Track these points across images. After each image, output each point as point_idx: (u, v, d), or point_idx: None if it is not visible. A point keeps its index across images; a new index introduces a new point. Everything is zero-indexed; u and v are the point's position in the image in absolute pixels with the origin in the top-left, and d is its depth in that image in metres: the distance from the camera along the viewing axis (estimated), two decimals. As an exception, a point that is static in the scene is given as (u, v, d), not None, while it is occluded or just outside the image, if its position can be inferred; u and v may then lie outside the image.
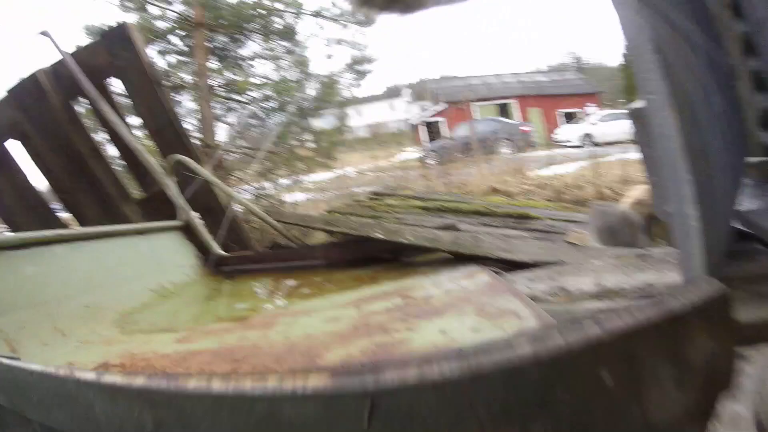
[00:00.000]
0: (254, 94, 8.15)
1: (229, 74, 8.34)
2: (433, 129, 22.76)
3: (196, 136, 7.24)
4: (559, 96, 26.15)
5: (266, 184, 8.12)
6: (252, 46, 8.55)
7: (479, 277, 2.10)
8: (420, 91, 46.85)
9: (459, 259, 2.84)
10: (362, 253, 3.29)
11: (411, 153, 15.13)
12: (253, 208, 4.38)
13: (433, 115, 26.18)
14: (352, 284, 2.74)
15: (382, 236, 3.11)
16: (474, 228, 4.70)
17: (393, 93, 46.27)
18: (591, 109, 21.99)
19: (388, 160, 9.33)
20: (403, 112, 38.51)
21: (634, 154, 6.15)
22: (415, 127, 25.05)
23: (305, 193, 8.49)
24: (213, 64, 8.23)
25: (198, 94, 7.39)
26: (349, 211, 6.11)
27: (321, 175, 9.14)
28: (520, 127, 17.16)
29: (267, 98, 8.23)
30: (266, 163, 7.79)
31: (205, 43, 7.92)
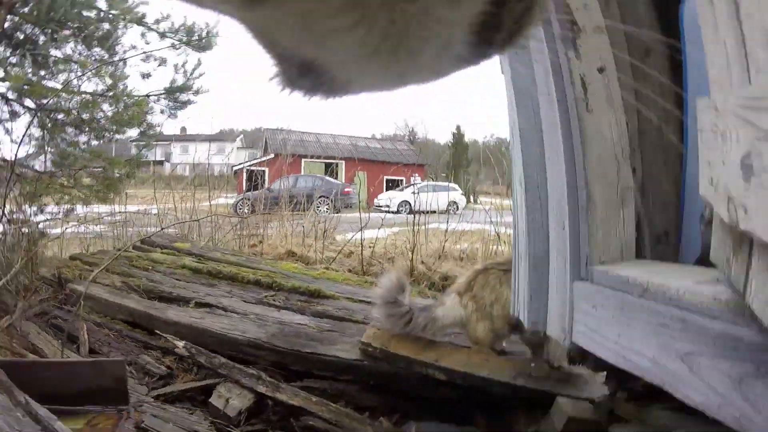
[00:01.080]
0: (50, 101, 6.42)
1: (28, 73, 6.74)
2: (255, 177, 22.03)
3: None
4: (388, 163, 26.77)
5: (30, 210, 6.19)
6: (66, 48, 7.02)
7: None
8: (253, 139, 45.94)
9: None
10: None
11: (228, 199, 13.78)
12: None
13: (258, 164, 25.21)
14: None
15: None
16: (240, 307, 3.53)
17: (226, 136, 44.59)
18: (416, 179, 22.68)
19: (199, 204, 7.94)
20: (233, 157, 37.10)
21: (450, 225, 5.55)
22: (237, 174, 23.85)
23: (76, 226, 6.71)
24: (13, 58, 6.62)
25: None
26: (94, 261, 4.61)
27: (104, 208, 7.64)
28: (343, 188, 17.16)
29: (61, 110, 6.57)
30: (36, 185, 6.06)
31: (3, 29, 6.21)
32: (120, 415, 2.16)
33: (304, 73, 0.42)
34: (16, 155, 5.30)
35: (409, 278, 5.01)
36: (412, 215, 6.69)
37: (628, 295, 1.35)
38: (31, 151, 7.02)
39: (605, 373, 2.05)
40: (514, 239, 2.21)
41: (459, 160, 29.07)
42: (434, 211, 7.79)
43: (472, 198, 15.70)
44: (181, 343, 2.96)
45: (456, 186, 16.76)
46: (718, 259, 1.18)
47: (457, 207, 12.62)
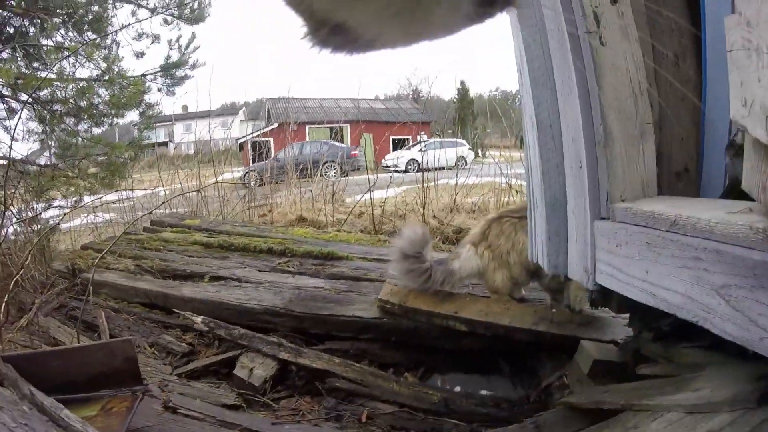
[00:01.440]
0: (45, 92, 6.24)
1: (21, 66, 6.52)
2: (260, 148, 21.96)
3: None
4: (393, 123, 26.46)
5: (38, 206, 6.17)
6: (57, 36, 6.82)
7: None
8: (256, 110, 45.57)
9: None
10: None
11: (235, 173, 13.75)
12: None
13: (262, 135, 25.04)
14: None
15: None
16: (254, 276, 3.51)
17: (228, 110, 44.25)
18: (422, 137, 22.42)
19: (206, 180, 7.91)
20: (237, 130, 36.87)
21: (460, 180, 5.47)
22: (242, 146, 23.73)
23: (84, 217, 6.72)
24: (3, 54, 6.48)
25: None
26: (105, 248, 4.59)
27: (113, 196, 7.35)
28: (349, 151, 17.02)
29: (58, 100, 6.36)
30: (41, 180, 6.02)
31: None
32: (134, 396, 2.16)
33: (335, 33, 0.49)
34: (11, 150, 5.23)
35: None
36: (421, 173, 6.62)
37: (654, 230, 1.29)
38: (35, 148, 6.99)
39: (628, 314, 2.01)
40: (528, 183, 2.15)
41: (465, 115, 28.61)
42: (443, 168, 7.71)
43: (480, 152, 15.52)
44: (198, 319, 2.96)
45: (463, 141, 16.52)
46: (751, 186, 1.11)
47: (466, 162, 12.48)
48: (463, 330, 2.54)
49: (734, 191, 1.33)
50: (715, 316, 1.10)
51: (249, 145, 23.45)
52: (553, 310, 2.50)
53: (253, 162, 17.34)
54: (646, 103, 1.60)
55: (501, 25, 2.22)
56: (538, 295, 2.78)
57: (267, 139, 24.12)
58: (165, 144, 33.31)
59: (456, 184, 6.43)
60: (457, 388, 2.54)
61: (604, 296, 1.76)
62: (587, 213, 1.60)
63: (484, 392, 2.49)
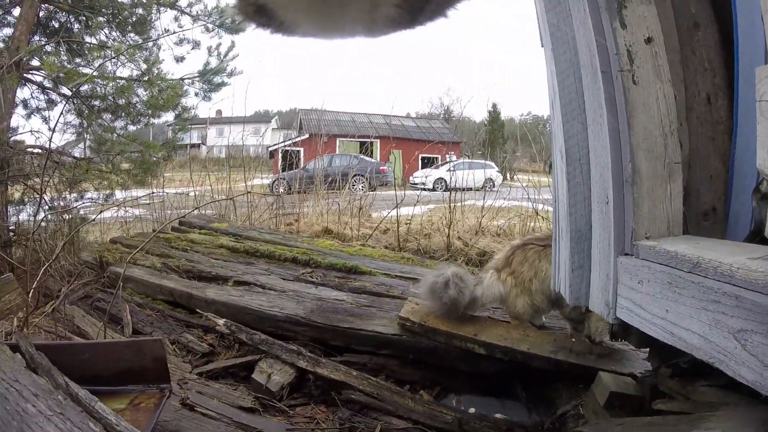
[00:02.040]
0: (85, 87, 6.47)
1: (64, 60, 6.68)
2: (290, 157, 22.20)
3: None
4: (423, 141, 26.52)
5: (70, 197, 6.38)
6: (100, 34, 6.99)
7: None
8: (288, 120, 46.15)
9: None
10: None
11: (264, 180, 13.94)
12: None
13: (294, 144, 25.33)
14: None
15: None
16: (278, 284, 3.57)
17: (261, 118, 44.90)
18: (451, 156, 22.43)
19: (236, 185, 8.05)
20: (268, 138, 37.38)
21: (487, 202, 5.47)
22: (273, 154, 24.03)
23: (115, 211, 6.88)
24: (48, 46, 6.59)
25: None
26: (134, 244, 4.70)
27: (141, 192, 7.50)
28: (378, 167, 17.10)
29: (97, 96, 6.63)
30: (76, 171, 6.19)
31: (37, 18, 6.41)
32: (162, 393, 2.22)
33: (259, 12, 0.49)
34: (50, 141, 5.42)
35: (446, 253, 5.03)
36: (448, 192, 6.64)
37: (676, 270, 1.32)
38: (70, 139, 7.20)
39: (648, 349, 2.02)
40: (554, 213, 2.18)
41: (495, 138, 28.55)
42: (470, 188, 7.72)
43: (508, 175, 15.48)
44: (221, 321, 3.03)
45: (492, 163, 16.50)
46: (773, 234, 1.14)
47: (493, 184, 12.46)
48: (482, 353, 2.56)
49: (759, 234, 1.35)
50: (731, 359, 1.12)
51: (279, 154, 23.73)
52: (573, 339, 2.51)
53: (283, 171, 17.50)
54: (675, 142, 1.63)
55: (535, 51, 2.28)
56: (558, 322, 2.79)
57: (297, 148, 24.39)
58: (197, 146, 33.87)
59: (483, 206, 6.44)
60: (472, 410, 2.55)
61: (624, 330, 1.77)
62: (611, 248, 1.63)
63: (498, 416, 2.50)
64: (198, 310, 3.35)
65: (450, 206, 6.07)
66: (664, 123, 1.61)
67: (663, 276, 1.37)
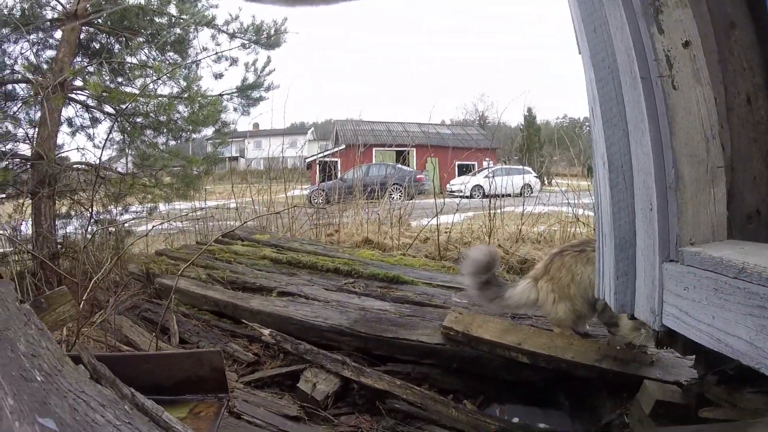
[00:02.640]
0: (128, 105, 6.68)
1: (106, 80, 6.90)
2: (328, 168, 22.44)
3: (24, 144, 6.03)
4: (459, 148, 26.47)
5: (116, 210, 6.66)
6: (140, 54, 7.23)
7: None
8: (324, 131, 46.72)
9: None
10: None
11: (303, 191, 14.14)
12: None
13: (331, 155, 25.64)
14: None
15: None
16: (321, 294, 3.63)
17: (297, 130, 45.58)
18: (487, 163, 22.29)
19: (275, 196, 8.22)
20: (305, 150, 37.91)
21: (526, 208, 5.44)
22: (310, 165, 24.37)
23: (158, 224, 7.10)
24: (90, 67, 6.85)
25: (43, 93, 5.81)
26: (179, 256, 4.85)
27: (184, 205, 8.02)
28: (415, 175, 17.16)
29: (139, 113, 6.84)
30: (121, 186, 6.49)
31: (78, 40, 6.66)
32: (220, 402, 2.29)
33: None
34: (100, 159, 5.64)
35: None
36: (487, 199, 6.62)
37: (722, 276, 1.31)
38: (113, 155, 7.46)
39: (694, 356, 1.99)
40: (597, 221, 2.17)
41: (532, 143, 28.23)
42: (509, 195, 7.67)
43: (546, 180, 15.28)
44: (266, 331, 3.11)
45: (530, 169, 16.31)
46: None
47: (532, 190, 12.31)
48: (525, 362, 2.56)
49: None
50: (778, 365, 1.11)
51: (317, 165, 24.06)
52: (618, 347, 2.49)
53: (321, 181, 17.71)
54: (717, 146, 1.61)
55: (572, 56, 2.29)
56: (602, 330, 2.77)
57: (334, 159, 24.68)
58: (236, 159, 34.63)
59: (522, 212, 6.39)
60: (515, 419, 2.56)
61: (670, 337, 1.76)
62: (656, 255, 1.62)
63: (542, 425, 2.50)
64: (243, 321, 3.43)
65: (489, 213, 6.05)
66: (706, 127, 1.60)
67: (709, 282, 1.36)
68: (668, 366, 2.35)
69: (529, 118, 36.02)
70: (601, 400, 2.46)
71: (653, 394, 2.04)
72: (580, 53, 2.11)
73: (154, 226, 5.66)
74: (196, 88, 7.32)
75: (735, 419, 1.55)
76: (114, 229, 6.04)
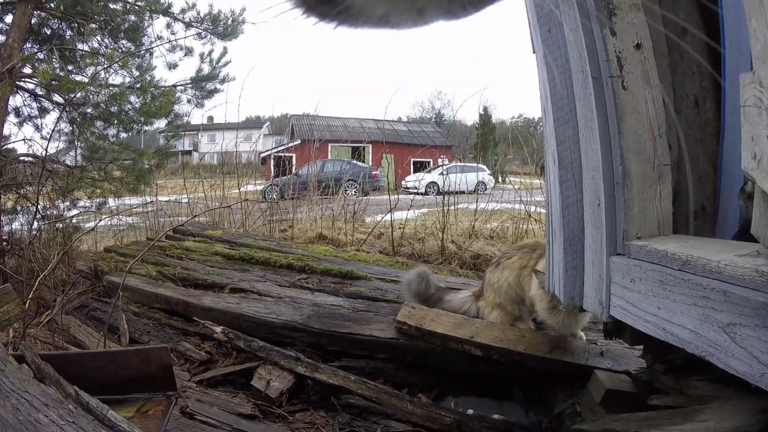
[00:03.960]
0: (78, 95, 6.40)
1: (56, 68, 6.60)
2: (283, 163, 22.20)
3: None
4: (415, 145, 26.61)
5: (63, 205, 6.36)
6: (93, 41, 7.01)
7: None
8: (280, 125, 46.14)
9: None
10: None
11: (257, 186, 13.91)
12: None
13: (285, 150, 25.36)
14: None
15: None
16: (274, 291, 3.59)
17: (253, 124, 44.80)
18: (443, 160, 22.52)
19: (229, 191, 8.06)
20: (260, 144, 37.34)
21: (480, 205, 5.52)
22: (265, 160, 24.02)
23: (108, 219, 6.83)
24: (40, 54, 6.63)
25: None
26: (128, 252, 4.70)
27: (135, 200, 7.73)
28: (371, 171, 17.16)
29: (89, 103, 6.59)
30: (68, 180, 6.23)
31: (30, 24, 6.33)
32: (169, 400, 2.23)
33: (322, 1, 0.47)
34: (46, 150, 5.40)
35: (440, 257, 5.08)
36: (441, 196, 6.67)
37: (667, 268, 1.37)
38: (61, 147, 7.17)
39: (642, 346, 2.07)
40: (547, 216, 2.22)
41: (487, 141, 28.68)
42: (463, 192, 7.76)
43: (500, 178, 15.56)
44: (219, 329, 3.04)
45: (484, 167, 16.61)
46: (759, 232, 1.18)
47: (486, 187, 12.54)
48: (478, 354, 2.60)
49: (746, 232, 1.40)
50: (721, 352, 1.17)
51: (272, 160, 23.72)
52: (568, 339, 2.57)
53: (276, 177, 17.47)
54: (664, 145, 1.67)
55: (526, 56, 2.34)
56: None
57: (290, 154, 24.39)
58: (189, 153, 33.79)
59: (476, 209, 6.48)
60: (470, 411, 2.58)
61: (618, 328, 1.82)
62: (604, 248, 1.68)
63: (496, 416, 2.53)
64: (195, 318, 3.35)
65: (443, 210, 6.11)
66: (654, 126, 1.65)
67: (654, 274, 1.41)
68: (618, 356, 2.43)
69: (485, 116, 36.54)
70: (553, 391, 2.52)
71: (603, 383, 2.10)
72: (534, 52, 2.15)
73: (101, 220, 5.45)
74: (149, 78, 7.13)
75: (683, 406, 1.62)
76: (61, 225, 5.79)
